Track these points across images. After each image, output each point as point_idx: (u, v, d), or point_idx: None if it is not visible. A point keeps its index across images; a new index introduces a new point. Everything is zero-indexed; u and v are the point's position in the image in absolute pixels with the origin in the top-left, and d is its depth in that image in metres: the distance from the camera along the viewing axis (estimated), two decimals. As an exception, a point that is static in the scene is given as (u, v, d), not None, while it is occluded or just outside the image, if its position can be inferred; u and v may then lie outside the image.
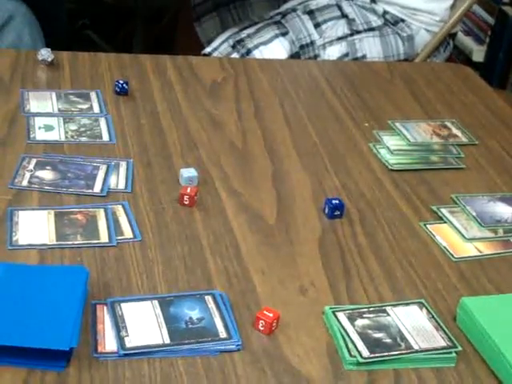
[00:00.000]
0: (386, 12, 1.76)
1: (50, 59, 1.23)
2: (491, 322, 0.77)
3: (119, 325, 0.74)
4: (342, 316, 0.78)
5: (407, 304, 0.81)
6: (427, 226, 0.95)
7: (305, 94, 1.28)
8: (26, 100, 1.14)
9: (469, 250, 0.92)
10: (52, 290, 0.75)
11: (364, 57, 1.73)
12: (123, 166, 1.01)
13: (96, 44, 2.54)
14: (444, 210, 0.98)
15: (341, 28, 1.74)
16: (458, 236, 0.94)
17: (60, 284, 0.76)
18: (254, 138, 1.12)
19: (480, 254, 0.91)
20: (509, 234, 0.96)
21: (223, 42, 1.74)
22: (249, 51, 1.70)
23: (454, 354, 0.76)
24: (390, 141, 1.14)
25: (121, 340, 0.73)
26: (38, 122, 1.09)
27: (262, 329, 0.76)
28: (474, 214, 0.98)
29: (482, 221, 0.97)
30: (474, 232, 0.95)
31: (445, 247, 0.92)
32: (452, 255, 0.90)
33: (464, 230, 0.95)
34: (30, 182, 0.95)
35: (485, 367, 0.76)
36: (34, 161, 1.00)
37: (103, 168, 1.00)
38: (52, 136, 1.06)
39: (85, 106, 1.14)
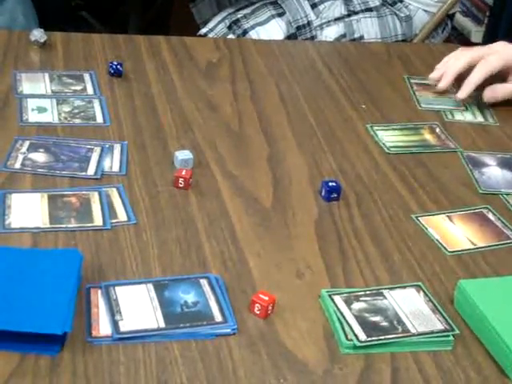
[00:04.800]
0: (383, -8, 1.75)
1: (42, 40, 1.22)
2: (489, 304, 0.77)
3: (113, 309, 0.74)
4: (338, 299, 0.78)
5: (404, 287, 0.81)
6: (419, 218, 0.93)
7: (301, 75, 1.27)
8: (19, 81, 1.12)
9: (462, 242, 0.89)
10: (45, 273, 0.74)
11: (361, 38, 1.71)
12: (117, 148, 1.00)
13: (91, 25, 2.52)
14: None
15: (338, 8, 1.72)
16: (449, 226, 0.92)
17: (53, 268, 0.75)
18: (249, 120, 1.11)
19: (474, 246, 0.89)
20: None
21: (219, 22, 1.72)
22: (245, 32, 1.68)
23: (451, 338, 0.75)
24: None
25: (115, 324, 0.72)
26: (31, 103, 1.07)
27: (257, 312, 0.75)
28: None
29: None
30: None
31: (437, 240, 0.89)
32: (445, 249, 0.88)
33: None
34: (22, 164, 0.94)
35: (482, 350, 0.75)
36: (26, 143, 0.98)
37: (97, 150, 0.98)
38: (45, 118, 1.05)
39: (78, 88, 1.13)
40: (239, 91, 1.18)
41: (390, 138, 1.09)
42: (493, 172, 1.04)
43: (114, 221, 0.86)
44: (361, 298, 0.78)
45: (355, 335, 0.73)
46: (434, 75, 1.15)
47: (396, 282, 0.82)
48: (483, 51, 1.14)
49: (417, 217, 0.93)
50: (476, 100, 1.22)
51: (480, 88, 1.15)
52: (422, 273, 0.84)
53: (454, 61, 1.14)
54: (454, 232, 0.91)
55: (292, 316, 0.76)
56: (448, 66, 1.15)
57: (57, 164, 0.95)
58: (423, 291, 0.80)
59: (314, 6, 1.71)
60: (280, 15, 1.69)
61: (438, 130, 1.12)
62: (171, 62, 1.24)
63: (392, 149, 1.07)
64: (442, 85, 1.13)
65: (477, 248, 0.89)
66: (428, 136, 1.11)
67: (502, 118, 1.19)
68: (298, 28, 1.70)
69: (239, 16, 1.70)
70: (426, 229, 0.91)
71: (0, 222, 0.83)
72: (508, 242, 0.91)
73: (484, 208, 0.96)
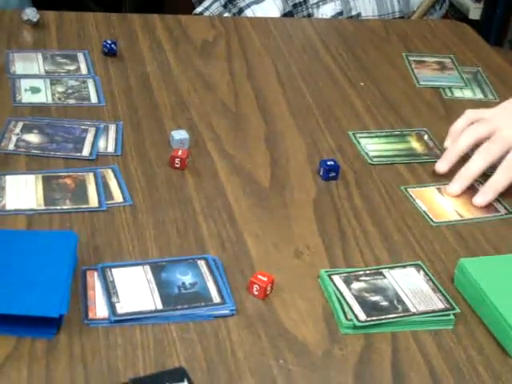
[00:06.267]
0: (380, -31, 1.72)
1: (35, 19, 1.20)
2: (489, 283, 0.76)
3: (110, 291, 0.73)
4: (337, 279, 0.77)
5: (404, 266, 0.80)
6: (408, 190, 0.92)
7: (298, 53, 1.25)
8: (12, 61, 1.10)
9: (449, 214, 0.89)
10: (41, 255, 0.73)
11: (359, 15, 1.69)
12: (112, 128, 0.98)
13: (85, 5, 2.48)
14: None
15: (335, -14, 1.70)
16: (438, 199, 0.91)
17: (49, 249, 0.74)
18: (246, 99, 1.09)
19: (460, 218, 0.88)
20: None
21: (214, 1, 1.70)
22: (241, 10, 1.66)
23: (452, 316, 0.74)
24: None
25: (112, 306, 0.71)
26: (24, 84, 1.06)
27: (256, 293, 0.74)
28: None
29: None
30: None
31: (424, 212, 0.89)
32: (432, 220, 0.88)
33: None
34: (16, 145, 0.93)
35: (483, 329, 0.74)
36: (20, 124, 0.97)
37: (92, 131, 0.97)
38: (39, 98, 1.03)
39: (72, 68, 1.11)
40: (236, 70, 1.17)
41: (373, 146, 1.01)
42: None
43: (109, 202, 0.85)
44: (360, 278, 0.77)
45: (355, 315, 0.73)
46: (440, 167, 0.96)
47: (396, 261, 0.81)
48: (492, 127, 0.94)
49: (406, 188, 0.92)
50: (475, 76, 1.21)
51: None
52: (422, 252, 0.83)
53: (460, 141, 0.96)
54: (443, 204, 0.90)
55: (291, 296, 0.75)
56: (454, 148, 0.96)
57: (51, 145, 0.93)
58: (423, 270, 0.79)
59: (310, -17, 1.69)
60: (276, -7, 1.67)
61: (426, 136, 1.04)
62: (166, 41, 1.22)
63: (375, 159, 0.99)
64: (443, 170, 0.96)
65: (463, 220, 0.88)
66: (415, 144, 1.03)
67: (501, 94, 1.18)
68: (295, 6, 1.68)
69: (235, -6, 1.67)
70: (414, 200, 0.90)
71: (-6, 204, 0.82)
72: (496, 214, 0.90)
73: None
